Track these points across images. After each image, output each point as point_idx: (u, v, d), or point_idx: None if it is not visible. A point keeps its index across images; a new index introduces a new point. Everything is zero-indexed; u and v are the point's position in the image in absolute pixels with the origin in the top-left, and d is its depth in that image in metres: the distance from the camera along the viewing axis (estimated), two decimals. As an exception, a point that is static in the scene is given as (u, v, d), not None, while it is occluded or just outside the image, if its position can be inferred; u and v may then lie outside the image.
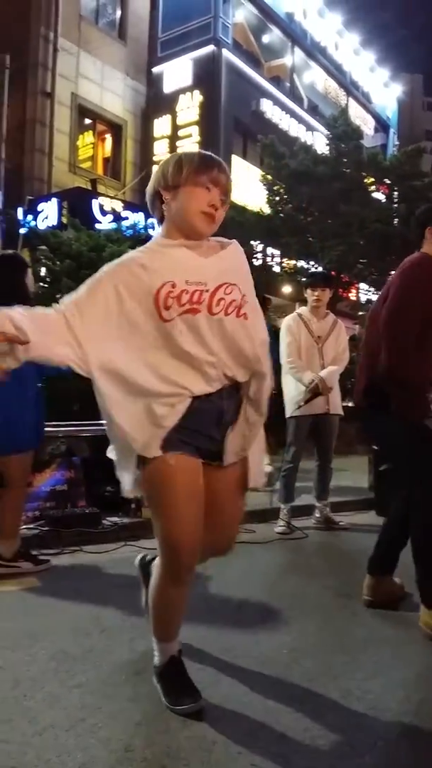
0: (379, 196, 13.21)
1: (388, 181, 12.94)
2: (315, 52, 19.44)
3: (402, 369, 2.38)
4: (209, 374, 1.69)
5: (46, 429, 4.16)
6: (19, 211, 11.79)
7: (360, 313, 14.02)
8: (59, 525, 3.79)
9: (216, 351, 1.69)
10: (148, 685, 2.00)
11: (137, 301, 1.66)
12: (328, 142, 12.99)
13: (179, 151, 10.42)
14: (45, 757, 1.61)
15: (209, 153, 1.80)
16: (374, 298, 11.34)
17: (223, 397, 1.74)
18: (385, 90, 23.71)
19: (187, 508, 1.69)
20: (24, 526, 3.76)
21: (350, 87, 21.40)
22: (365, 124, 21.21)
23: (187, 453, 1.71)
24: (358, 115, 20.61)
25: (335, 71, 20.54)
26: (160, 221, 1.82)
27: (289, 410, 4.31)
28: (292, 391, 4.31)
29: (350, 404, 4.74)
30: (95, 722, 1.77)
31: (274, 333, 7.01)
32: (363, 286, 14.80)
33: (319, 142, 14.96)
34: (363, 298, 15.10)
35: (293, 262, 13.14)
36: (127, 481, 1.77)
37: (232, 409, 1.77)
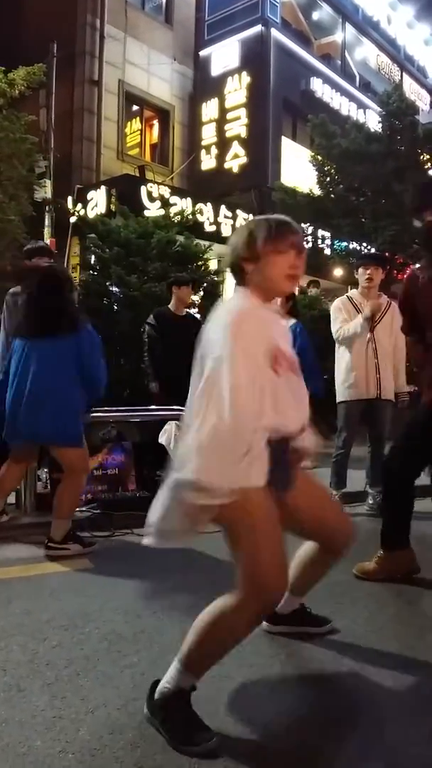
0: (436, 173, 12.73)
1: (446, 158, 12.45)
2: (367, 27, 18.85)
3: None
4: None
5: (98, 414, 4.24)
6: (69, 200, 11.95)
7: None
8: (111, 508, 3.85)
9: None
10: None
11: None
12: (381, 119, 12.58)
13: (227, 134, 10.33)
14: (98, 734, 1.63)
15: (282, 219, 1.85)
16: None
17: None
18: (442, 63, 22.79)
19: (280, 541, 1.66)
20: (76, 509, 3.83)
21: (404, 62, 20.67)
22: (420, 99, 20.47)
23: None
24: (413, 91, 19.91)
25: (388, 46, 19.86)
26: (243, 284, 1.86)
27: (340, 395, 4.23)
28: (342, 375, 4.21)
29: (410, 390, 4.60)
30: (146, 702, 1.78)
31: (323, 317, 6.90)
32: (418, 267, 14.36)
33: (372, 120, 14.52)
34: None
35: (345, 243, 12.85)
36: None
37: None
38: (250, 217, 13.70)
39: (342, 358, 4.27)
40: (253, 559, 1.61)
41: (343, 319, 4.20)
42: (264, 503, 1.63)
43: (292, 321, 5.67)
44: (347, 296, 4.35)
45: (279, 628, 2.26)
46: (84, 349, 3.23)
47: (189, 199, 11.46)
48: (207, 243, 8.15)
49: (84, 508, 3.89)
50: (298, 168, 13.87)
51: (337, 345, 4.34)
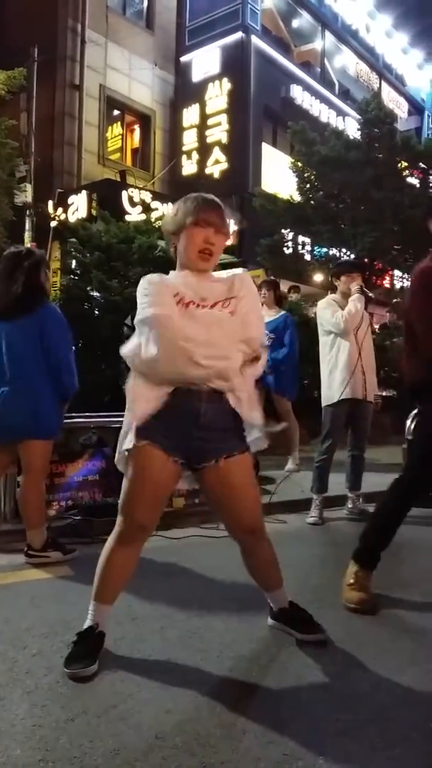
0: (414, 180, 12.91)
1: (424, 166, 12.63)
2: (346, 35, 19.10)
3: None
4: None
5: (79, 420, 4.23)
6: (50, 205, 11.90)
7: (395, 300, 13.77)
8: (91, 514, 3.83)
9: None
10: (178, 673, 2.01)
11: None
12: (360, 127, 12.74)
13: (208, 140, 10.51)
14: (78, 742, 1.63)
15: (203, 196, 2.07)
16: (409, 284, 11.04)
17: (201, 399, 1.98)
18: (419, 72, 23.15)
19: (147, 490, 2.02)
20: (56, 515, 3.82)
21: (383, 70, 20.98)
22: (399, 107, 20.80)
23: (158, 445, 1.98)
24: (391, 99, 20.23)
25: (367, 54, 20.16)
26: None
27: (331, 395, 4.23)
28: (334, 380, 4.22)
29: (384, 394, 4.67)
30: (126, 709, 1.79)
31: (303, 322, 6.95)
32: (397, 272, 14.54)
33: (351, 127, 14.70)
34: (397, 285, 14.85)
35: (324, 249, 12.97)
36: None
37: (210, 413, 2.00)
38: (231, 222, 13.79)
39: (335, 359, 4.26)
40: (124, 493, 2.06)
41: (334, 309, 4.24)
42: (142, 463, 1.99)
43: (281, 312, 5.80)
44: (332, 299, 4.39)
45: (272, 623, 2.35)
46: (47, 328, 3.05)
47: (170, 204, 11.46)
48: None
49: (64, 515, 3.88)
50: (278, 174, 13.97)
51: (327, 348, 4.32)
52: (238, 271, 2.26)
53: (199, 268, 2.06)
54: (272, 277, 7.72)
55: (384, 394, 4.59)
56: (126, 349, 2.02)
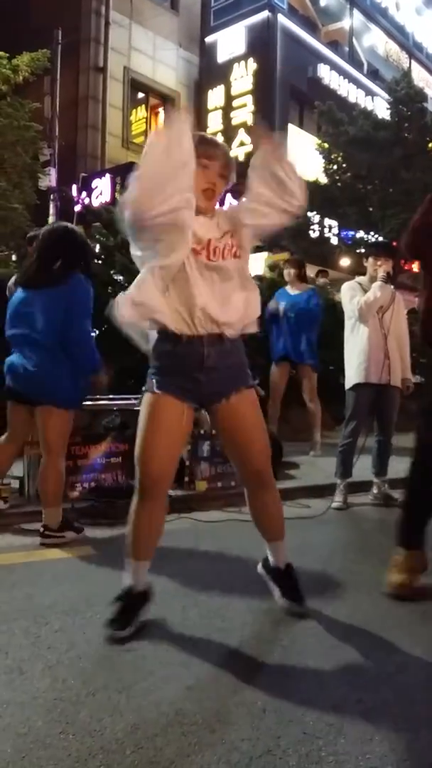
0: (444, 161, 12.61)
1: (454, 145, 12.32)
2: (375, 13, 18.67)
3: None
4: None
5: (102, 402, 4.23)
6: (73, 189, 11.92)
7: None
8: (114, 496, 3.84)
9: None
10: (199, 651, 2.00)
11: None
12: (389, 106, 12.45)
13: (233, 122, 10.45)
14: (98, 716, 1.63)
15: (200, 134, 2.13)
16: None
17: (204, 344, 2.06)
18: (451, 50, 22.53)
19: (161, 439, 2.07)
20: (79, 497, 3.84)
21: (413, 49, 20.47)
22: (429, 87, 20.26)
23: (173, 394, 2.06)
24: (421, 78, 19.73)
25: (397, 33, 19.69)
26: None
27: (351, 379, 4.18)
28: (355, 359, 4.17)
29: (414, 380, 4.57)
30: (147, 685, 1.79)
31: (331, 306, 6.86)
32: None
33: (380, 107, 14.40)
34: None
35: (352, 233, 12.76)
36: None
37: (213, 355, 2.07)
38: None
39: (354, 343, 4.21)
40: (138, 444, 2.09)
41: (354, 295, 4.18)
42: (157, 411, 2.06)
43: (307, 287, 5.89)
44: (357, 282, 4.31)
45: (261, 571, 2.41)
46: (69, 303, 3.06)
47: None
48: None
49: (87, 497, 3.90)
50: (304, 156, 13.77)
51: (348, 331, 4.27)
52: None
53: (201, 208, 2.10)
54: (295, 256, 7.68)
55: (414, 380, 4.49)
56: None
